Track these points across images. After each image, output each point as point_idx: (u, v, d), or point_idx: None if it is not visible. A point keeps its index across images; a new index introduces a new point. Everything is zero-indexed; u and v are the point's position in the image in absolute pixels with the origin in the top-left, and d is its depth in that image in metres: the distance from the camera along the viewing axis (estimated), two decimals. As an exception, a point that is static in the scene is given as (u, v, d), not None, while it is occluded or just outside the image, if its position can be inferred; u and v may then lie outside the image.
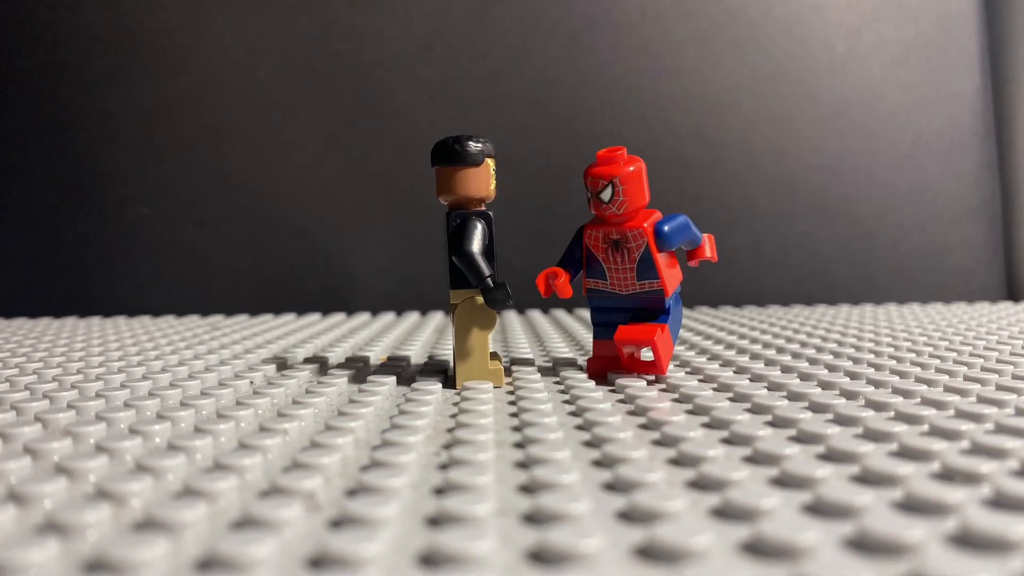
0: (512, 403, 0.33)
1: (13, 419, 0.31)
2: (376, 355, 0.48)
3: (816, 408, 0.31)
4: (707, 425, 0.29)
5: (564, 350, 0.49)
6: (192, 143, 0.82)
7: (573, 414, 0.31)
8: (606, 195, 0.35)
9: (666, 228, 0.36)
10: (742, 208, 0.84)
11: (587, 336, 0.56)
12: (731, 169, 0.84)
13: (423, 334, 0.59)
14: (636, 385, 0.35)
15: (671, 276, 0.37)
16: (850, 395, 0.33)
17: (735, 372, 0.39)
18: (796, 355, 0.44)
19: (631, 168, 0.35)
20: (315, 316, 0.76)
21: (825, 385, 0.35)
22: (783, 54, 0.84)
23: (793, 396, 0.33)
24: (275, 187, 0.82)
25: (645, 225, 0.36)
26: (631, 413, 0.32)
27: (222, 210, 0.82)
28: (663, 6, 0.83)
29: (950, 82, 0.86)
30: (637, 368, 0.38)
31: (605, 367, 0.39)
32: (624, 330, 0.36)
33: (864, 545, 0.17)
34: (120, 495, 0.21)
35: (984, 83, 0.87)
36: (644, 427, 0.29)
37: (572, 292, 0.37)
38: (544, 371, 0.41)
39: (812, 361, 0.42)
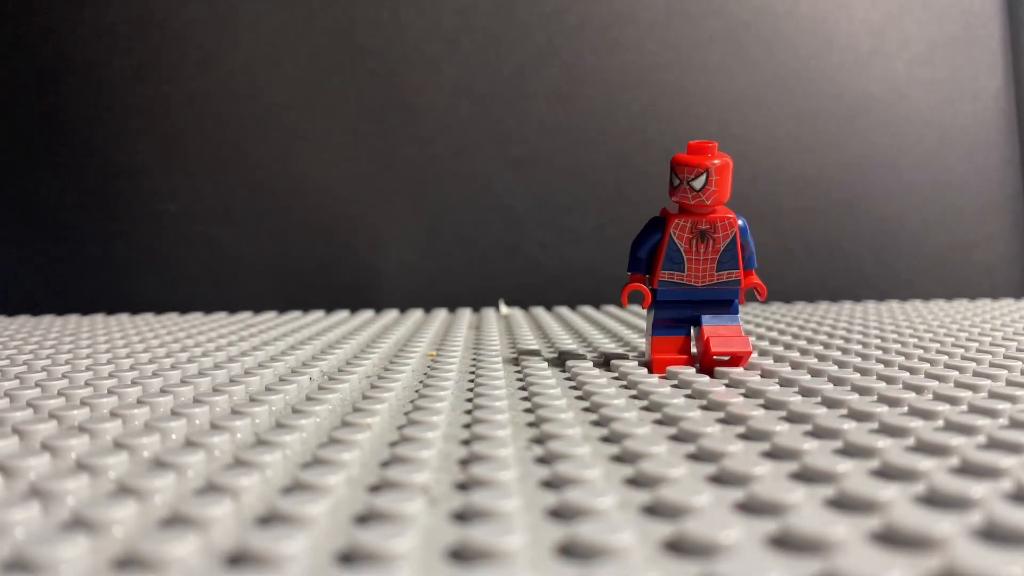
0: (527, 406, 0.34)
1: (49, 419, 0.31)
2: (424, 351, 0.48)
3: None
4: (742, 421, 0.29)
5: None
6: (218, 139, 0.82)
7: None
8: (699, 183, 0.36)
9: (747, 228, 0.38)
10: (767, 205, 0.84)
11: (591, 333, 0.56)
12: (757, 166, 0.84)
13: (461, 330, 0.59)
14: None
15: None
16: (863, 391, 0.33)
17: (777, 383, 0.39)
18: (845, 354, 0.44)
19: (723, 161, 0.36)
20: (344, 313, 0.76)
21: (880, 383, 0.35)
22: (808, 51, 0.84)
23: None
24: (301, 183, 0.82)
25: (732, 216, 0.37)
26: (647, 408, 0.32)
27: (248, 207, 0.82)
28: (689, 3, 0.83)
29: (974, 79, 0.86)
30: (715, 365, 0.39)
31: (668, 364, 0.39)
32: (717, 341, 0.37)
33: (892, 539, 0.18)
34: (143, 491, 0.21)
35: (1008, 80, 0.87)
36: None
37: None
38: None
39: (840, 363, 0.41)
